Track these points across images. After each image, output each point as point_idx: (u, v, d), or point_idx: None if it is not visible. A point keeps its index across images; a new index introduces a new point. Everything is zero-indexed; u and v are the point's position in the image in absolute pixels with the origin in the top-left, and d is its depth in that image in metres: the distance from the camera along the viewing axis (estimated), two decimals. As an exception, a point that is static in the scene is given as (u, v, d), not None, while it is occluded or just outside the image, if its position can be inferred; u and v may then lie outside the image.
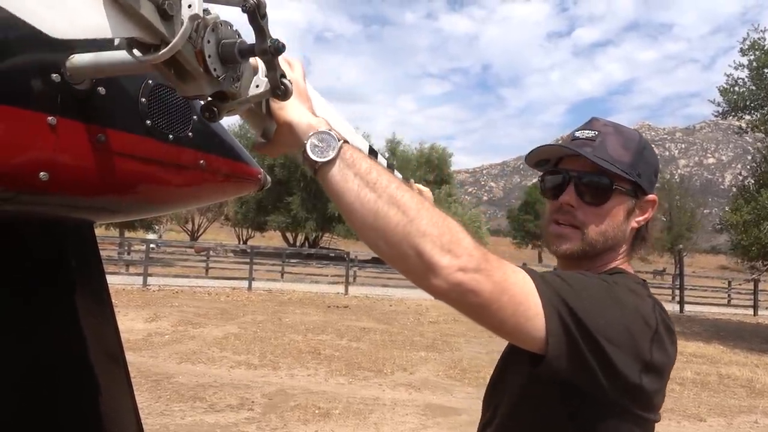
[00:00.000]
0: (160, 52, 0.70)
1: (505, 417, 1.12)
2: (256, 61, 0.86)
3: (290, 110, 0.91)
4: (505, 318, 0.86)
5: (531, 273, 0.93)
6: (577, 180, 1.09)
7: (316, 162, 0.85)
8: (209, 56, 0.75)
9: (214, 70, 0.75)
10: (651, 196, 1.13)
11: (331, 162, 0.85)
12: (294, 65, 0.95)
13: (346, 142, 0.87)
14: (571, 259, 1.11)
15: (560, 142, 1.19)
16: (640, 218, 1.14)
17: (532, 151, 1.17)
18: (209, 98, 0.82)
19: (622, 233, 1.12)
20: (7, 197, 0.80)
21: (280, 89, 0.84)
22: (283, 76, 0.84)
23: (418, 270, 0.83)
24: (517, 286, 0.88)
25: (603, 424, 0.99)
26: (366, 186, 0.83)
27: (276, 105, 0.91)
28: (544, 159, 1.18)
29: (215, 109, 0.83)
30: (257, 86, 0.87)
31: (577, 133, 1.14)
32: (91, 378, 1.02)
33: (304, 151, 0.86)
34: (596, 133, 1.11)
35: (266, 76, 0.85)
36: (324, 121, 0.90)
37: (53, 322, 0.97)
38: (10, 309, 0.92)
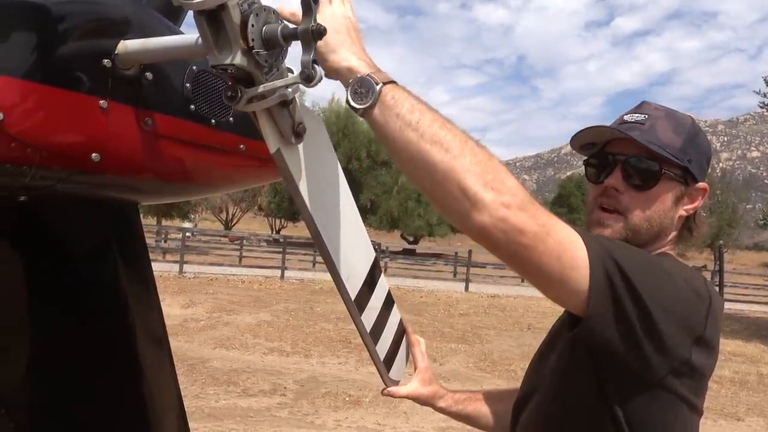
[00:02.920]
0: None
1: (541, 396, 1.09)
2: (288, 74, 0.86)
3: (336, 55, 0.89)
4: (549, 264, 0.83)
5: (576, 228, 0.90)
6: (624, 163, 1.05)
7: (357, 108, 0.86)
8: (252, 26, 0.76)
9: (252, 40, 0.76)
10: (702, 184, 1.08)
11: (372, 107, 0.85)
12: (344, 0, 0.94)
13: (390, 83, 0.87)
14: None
15: (614, 125, 1.14)
16: (689, 206, 1.08)
17: (578, 132, 1.13)
18: (236, 78, 0.81)
19: (670, 220, 1.06)
20: (61, 177, 0.84)
21: (308, 71, 0.82)
22: (316, 62, 0.83)
23: (463, 207, 0.82)
24: (563, 233, 0.85)
25: (645, 404, 0.92)
26: (408, 126, 0.83)
27: (324, 50, 0.88)
28: (590, 142, 1.14)
29: (239, 91, 0.82)
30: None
31: (626, 117, 1.10)
32: (137, 359, 1.05)
33: (347, 98, 0.87)
34: (646, 116, 1.07)
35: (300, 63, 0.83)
36: (367, 62, 0.89)
37: (102, 301, 1.01)
38: (61, 287, 0.97)
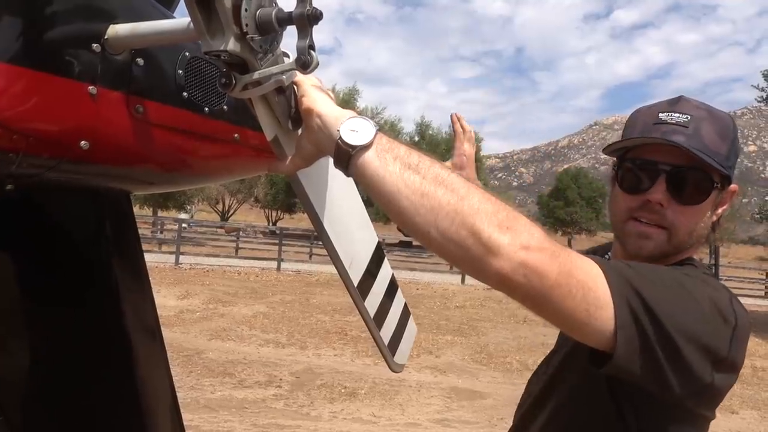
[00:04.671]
0: None
1: (556, 413, 1.06)
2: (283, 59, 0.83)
3: (318, 102, 0.84)
4: (574, 305, 0.77)
5: (595, 258, 0.83)
6: (671, 175, 0.95)
7: (352, 147, 0.78)
8: (246, 10, 0.73)
9: (246, 25, 0.74)
10: (733, 186, 1.01)
11: (369, 146, 0.78)
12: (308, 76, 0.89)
13: (380, 129, 0.81)
14: (650, 260, 0.98)
15: (641, 123, 1.02)
16: (720, 210, 1.02)
17: (616, 142, 1.04)
18: (230, 64, 0.79)
19: (707, 230, 1.01)
20: (49, 165, 0.82)
21: (305, 57, 0.79)
22: (312, 48, 0.80)
23: (476, 253, 0.74)
24: (584, 270, 0.79)
25: (664, 423, 0.91)
26: (408, 168, 0.76)
27: (305, 99, 0.85)
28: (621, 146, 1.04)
29: (233, 78, 0.79)
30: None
31: (663, 116, 0.98)
32: (130, 349, 1.04)
33: (339, 138, 0.80)
34: (688, 117, 0.96)
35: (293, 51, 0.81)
36: (353, 111, 0.84)
37: (92, 293, 0.99)
38: (50, 278, 0.95)
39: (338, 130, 0.80)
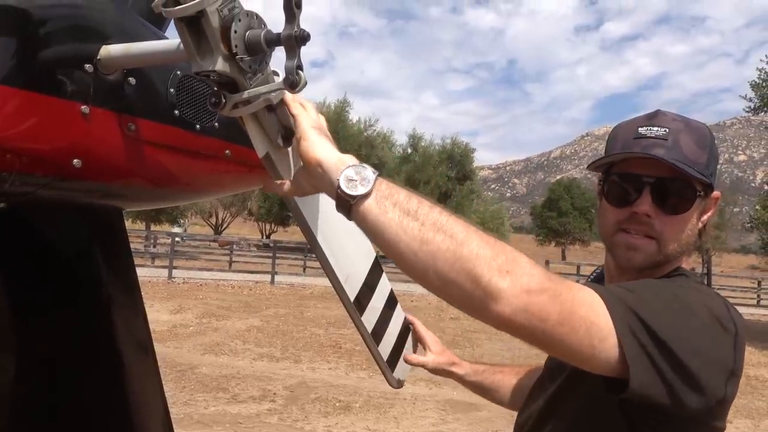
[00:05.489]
0: (187, 4, 0.70)
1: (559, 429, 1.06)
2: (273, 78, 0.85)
3: (318, 147, 0.84)
4: (578, 341, 0.79)
5: (594, 288, 0.85)
6: (656, 187, 0.98)
7: (352, 197, 0.79)
8: (235, 32, 0.75)
9: (236, 47, 0.76)
10: (716, 193, 1.04)
11: (368, 195, 0.79)
12: (308, 107, 0.91)
13: (380, 174, 0.82)
14: (642, 270, 1.01)
15: (621, 138, 1.06)
16: (705, 217, 1.05)
17: (600, 158, 1.07)
18: (220, 84, 0.80)
19: (694, 237, 1.04)
20: (42, 183, 0.83)
21: (293, 77, 0.80)
22: (300, 68, 0.81)
23: (476, 297, 0.75)
24: (586, 305, 0.80)
25: None
26: (407, 215, 0.77)
27: (304, 143, 0.86)
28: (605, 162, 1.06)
29: (223, 97, 0.81)
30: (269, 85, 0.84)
31: (642, 130, 1.01)
32: (121, 366, 1.04)
33: (338, 187, 0.80)
34: (666, 130, 0.99)
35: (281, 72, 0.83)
36: (353, 156, 0.85)
37: (84, 309, 1.00)
38: (42, 294, 0.95)
39: (338, 180, 0.81)
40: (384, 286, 1.26)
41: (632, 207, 0.99)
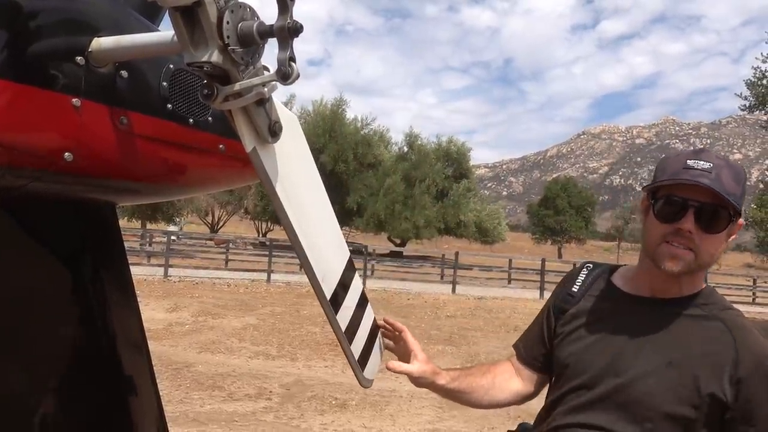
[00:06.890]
0: None
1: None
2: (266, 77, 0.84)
3: None
4: None
5: None
6: (699, 209, 1.18)
7: None
8: (227, 23, 0.75)
9: (228, 37, 0.75)
10: (741, 220, 1.25)
11: None
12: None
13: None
14: (680, 275, 1.22)
15: (670, 167, 1.25)
16: (730, 238, 1.27)
17: (653, 182, 1.25)
18: (211, 76, 0.80)
19: (721, 253, 1.27)
20: (34, 177, 0.82)
21: (285, 68, 0.79)
22: (293, 60, 0.81)
23: None
24: None
25: None
26: None
27: None
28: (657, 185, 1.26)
29: (215, 89, 0.81)
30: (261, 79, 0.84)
31: (690, 162, 1.21)
32: (114, 364, 1.03)
33: None
34: (711, 164, 1.19)
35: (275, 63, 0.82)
36: None
37: (78, 304, 0.99)
38: (34, 289, 0.94)
39: None
40: (356, 286, 1.27)
41: (677, 224, 1.19)
